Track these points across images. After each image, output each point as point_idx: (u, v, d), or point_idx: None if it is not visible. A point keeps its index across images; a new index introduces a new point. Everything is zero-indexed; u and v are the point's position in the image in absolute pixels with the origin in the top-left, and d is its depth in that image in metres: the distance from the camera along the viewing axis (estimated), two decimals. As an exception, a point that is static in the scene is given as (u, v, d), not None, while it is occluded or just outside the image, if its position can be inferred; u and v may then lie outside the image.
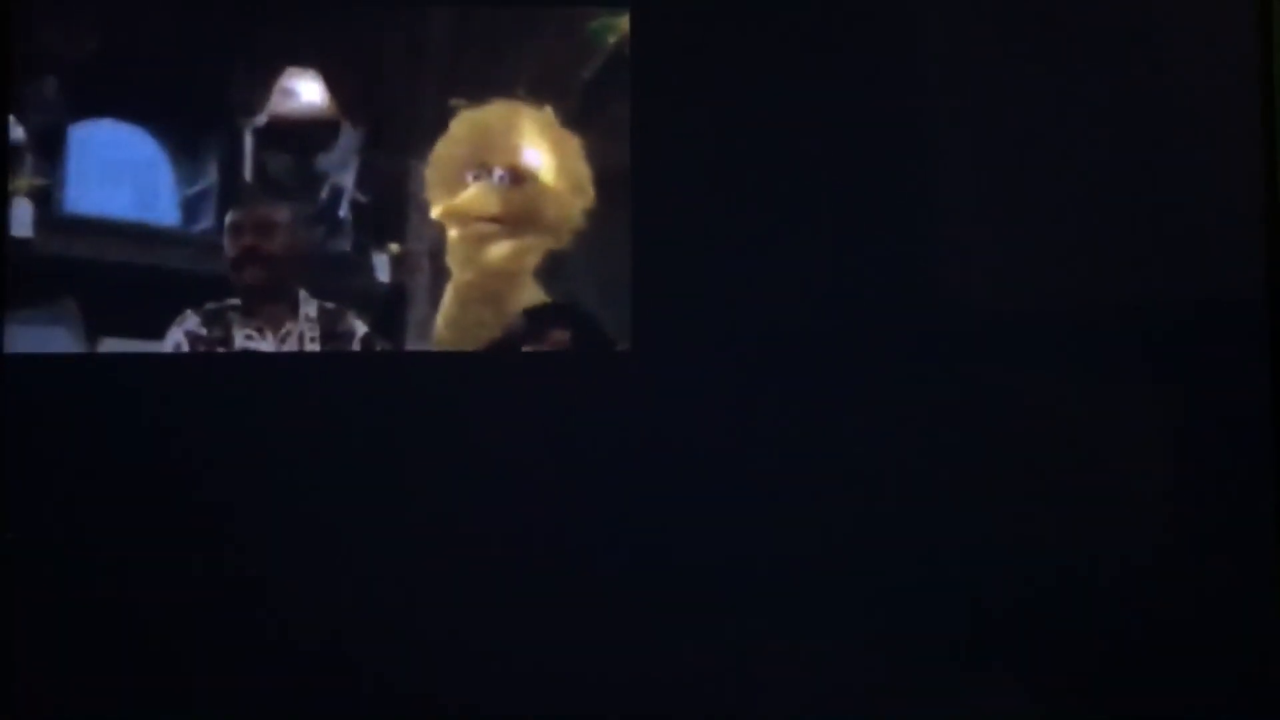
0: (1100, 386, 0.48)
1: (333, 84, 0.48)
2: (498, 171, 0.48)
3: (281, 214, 0.48)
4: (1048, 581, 0.47)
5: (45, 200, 0.48)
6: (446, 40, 0.49)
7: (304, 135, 0.48)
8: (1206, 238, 0.48)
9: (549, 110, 0.48)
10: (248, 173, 0.48)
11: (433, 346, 0.48)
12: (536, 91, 0.48)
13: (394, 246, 0.48)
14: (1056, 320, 0.48)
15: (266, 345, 0.47)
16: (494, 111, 0.48)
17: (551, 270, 0.48)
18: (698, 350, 0.48)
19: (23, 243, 0.48)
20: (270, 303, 0.48)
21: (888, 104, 0.49)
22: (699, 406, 0.48)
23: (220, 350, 0.48)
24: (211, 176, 0.48)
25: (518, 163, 0.48)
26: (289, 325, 0.48)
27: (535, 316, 0.48)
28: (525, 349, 0.48)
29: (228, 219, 0.48)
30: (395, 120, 0.49)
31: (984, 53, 0.49)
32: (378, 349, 0.48)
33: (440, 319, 0.48)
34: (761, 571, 0.47)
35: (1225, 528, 0.47)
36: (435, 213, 0.48)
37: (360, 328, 0.48)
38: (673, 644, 0.47)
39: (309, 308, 0.48)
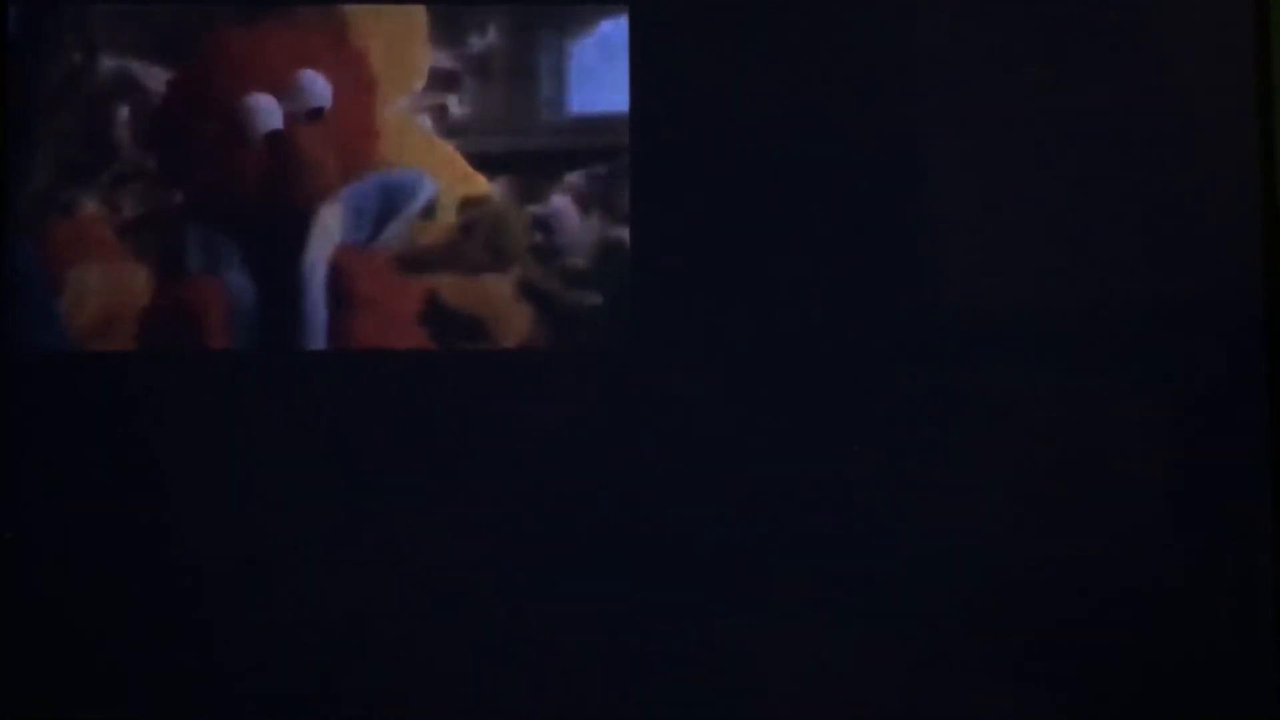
0: (1096, 385, 0.48)
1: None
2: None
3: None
4: (1042, 580, 0.47)
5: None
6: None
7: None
8: (1203, 236, 0.48)
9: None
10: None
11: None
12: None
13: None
14: (1052, 319, 0.48)
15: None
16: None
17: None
18: (695, 349, 0.48)
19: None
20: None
21: (885, 103, 0.49)
22: (696, 406, 0.48)
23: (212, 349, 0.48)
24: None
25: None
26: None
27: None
28: (518, 347, 0.48)
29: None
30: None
31: (981, 50, 0.49)
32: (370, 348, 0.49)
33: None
34: (758, 574, 0.47)
35: (1223, 527, 0.47)
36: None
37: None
38: (668, 646, 0.47)
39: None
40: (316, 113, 0.48)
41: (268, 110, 0.49)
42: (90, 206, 0.48)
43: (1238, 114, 0.49)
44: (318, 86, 0.49)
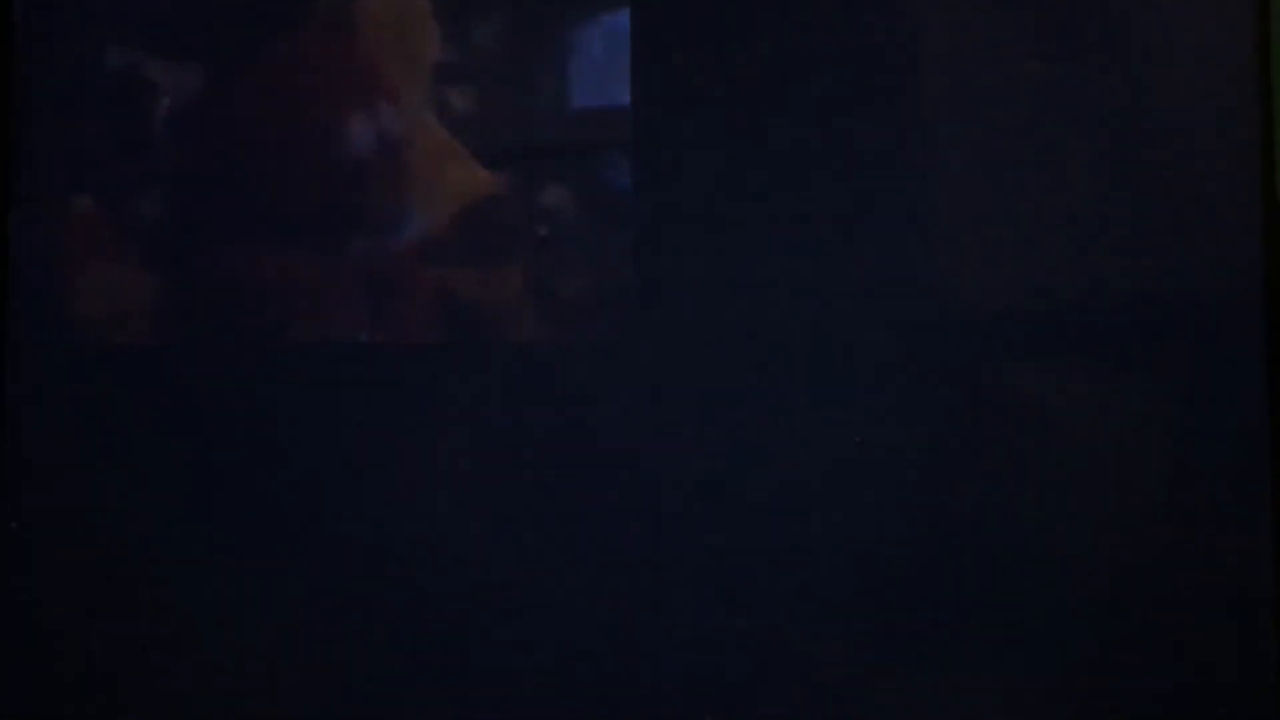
0: (1094, 380, 0.48)
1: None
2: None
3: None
4: (1039, 578, 0.47)
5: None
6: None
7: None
8: (1204, 235, 0.48)
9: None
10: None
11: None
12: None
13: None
14: (1051, 315, 0.48)
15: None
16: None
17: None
18: (697, 342, 0.48)
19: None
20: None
21: (888, 98, 0.49)
22: (697, 400, 0.48)
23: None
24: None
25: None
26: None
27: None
28: (521, 340, 0.49)
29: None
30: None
31: (984, 47, 0.49)
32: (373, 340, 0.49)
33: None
34: (759, 572, 0.47)
35: (1222, 524, 0.47)
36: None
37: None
38: (670, 644, 0.47)
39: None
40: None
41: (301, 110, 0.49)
42: (98, 201, 0.49)
43: (1239, 110, 0.49)
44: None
